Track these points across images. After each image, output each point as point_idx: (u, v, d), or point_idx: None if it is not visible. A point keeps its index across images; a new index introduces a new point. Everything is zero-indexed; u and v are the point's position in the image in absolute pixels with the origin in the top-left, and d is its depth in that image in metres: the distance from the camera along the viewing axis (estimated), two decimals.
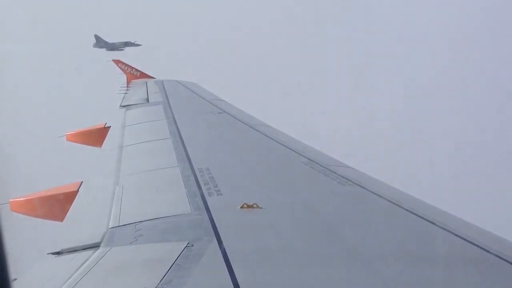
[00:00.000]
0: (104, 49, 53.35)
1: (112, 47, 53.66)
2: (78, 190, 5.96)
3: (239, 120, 9.94)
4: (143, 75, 20.73)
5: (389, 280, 3.27)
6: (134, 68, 21.24)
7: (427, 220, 4.39)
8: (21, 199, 6.38)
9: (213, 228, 3.98)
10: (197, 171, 5.75)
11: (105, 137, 9.89)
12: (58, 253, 4.04)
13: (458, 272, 3.50)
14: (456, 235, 4.04)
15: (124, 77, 20.54)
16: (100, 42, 54.29)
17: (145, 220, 4.35)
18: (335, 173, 5.83)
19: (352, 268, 3.44)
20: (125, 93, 16.78)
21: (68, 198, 5.78)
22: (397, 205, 4.78)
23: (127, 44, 53.81)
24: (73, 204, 5.53)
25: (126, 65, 21.26)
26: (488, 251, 3.73)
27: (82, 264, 3.60)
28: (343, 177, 5.66)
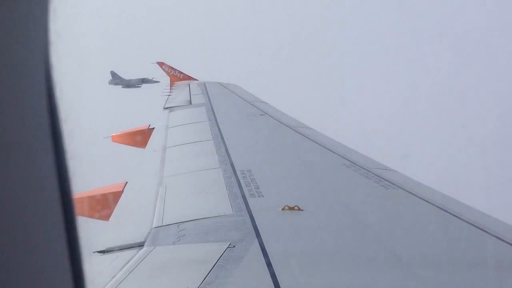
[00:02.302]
0: (119, 86, 51.17)
1: (128, 84, 51.19)
2: (123, 190, 6.08)
3: (280, 122, 9.95)
4: (186, 77, 20.98)
5: (433, 285, 3.24)
6: (178, 70, 21.51)
7: (471, 224, 4.31)
8: None
9: (255, 230, 4.01)
10: (238, 173, 5.79)
11: (149, 138, 10.05)
12: (103, 251, 4.14)
13: (503, 277, 3.43)
14: (501, 239, 3.96)
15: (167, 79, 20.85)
16: (116, 79, 51.62)
17: (188, 221, 4.41)
18: (377, 175, 5.79)
19: (394, 272, 3.41)
20: (169, 95, 17.02)
21: (113, 198, 5.90)
22: (441, 209, 4.71)
23: (144, 80, 50.13)
24: (118, 204, 5.65)
25: (169, 67, 21.55)
26: None
27: (127, 263, 3.68)
28: (385, 180, 5.61)
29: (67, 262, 1.19)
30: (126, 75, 50.90)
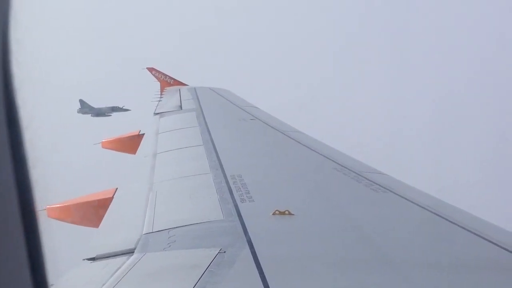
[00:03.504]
0: (89, 115, 49.39)
1: (98, 112, 49.40)
2: (113, 197, 6.04)
3: (271, 126, 9.95)
4: (177, 83, 20.95)
5: None
6: (168, 75, 21.48)
7: (461, 227, 4.32)
8: (58, 205, 6.50)
9: (245, 235, 4.00)
10: (229, 178, 5.78)
11: (139, 144, 10.02)
12: (93, 259, 4.11)
13: (492, 279, 3.44)
14: (493, 243, 3.96)
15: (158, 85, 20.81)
16: (84, 108, 49.89)
17: (178, 227, 4.39)
18: (367, 179, 5.79)
19: (384, 276, 3.41)
20: (159, 100, 16.98)
21: (103, 204, 5.87)
22: (431, 211, 4.72)
23: (114, 109, 48.62)
24: (108, 211, 5.61)
25: (160, 72, 21.52)
26: None
27: (117, 270, 3.65)
28: (376, 183, 5.62)
29: (28, 273, 1.17)
30: (95, 103, 49.21)
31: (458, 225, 4.35)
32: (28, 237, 1.20)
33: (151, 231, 4.42)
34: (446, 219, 4.51)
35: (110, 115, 48.65)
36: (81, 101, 49.76)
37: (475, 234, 4.13)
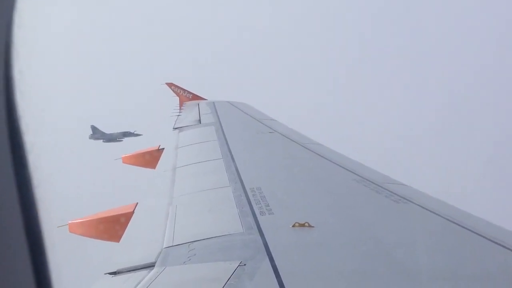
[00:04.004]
0: (101, 141, 48.97)
1: (109, 138, 49.00)
2: (133, 211, 6.09)
3: (289, 139, 9.95)
4: (195, 97, 21.08)
5: None
6: (187, 90, 21.63)
7: (485, 237, 4.27)
8: (79, 221, 6.57)
9: (265, 247, 3.99)
10: (248, 191, 5.79)
11: (159, 159, 10.08)
12: (114, 273, 4.13)
13: None
14: None
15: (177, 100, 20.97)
16: (96, 133, 49.40)
17: (198, 240, 4.41)
18: (388, 190, 5.76)
19: None
20: (178, 115, 17.09)
21: (124, 219, 5.91)
22: (453, 222, 4.67)
23: (125, 134, 48.26)
24: (129, 225, 5.65)
25: (178, 87, 21.68)
26: None
27: (138, 283, 3.67)
28: (396, 194, 5.58)
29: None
30: (107, 128, 49.18)
31: (482, 236, 4.29)
32: (33, 250, 1.22)
33: (172, 244, 4.44)
34: (469, 230, 4.45)
35: (122, 140, 48.65)
36: (93, 127, 49.79)
37: (500, 245, 4.07)
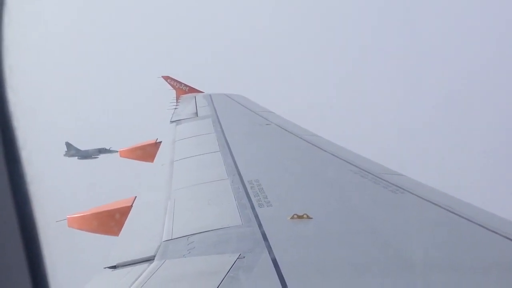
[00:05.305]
0: (75, 158, 47.77)
1: (85, 155, 48.11)
2: (132, 205, 6.09)
3: (287, 130, 9.96)
4: (192, 90, 21.04)
5: None
6: (183, 83, 21.59)
7: (483, 226, 4.28)
8: (78, 215, 6.57)
9: (264, 239, 4.00)
10: (246, 183, 5.79)
11: (156, 152, 10.08)
12: (114, 267, 4.14)
13: None
14: None
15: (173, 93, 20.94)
16: (71, 150, 48.37)
17: (197, 233, 4.41)
18: (385, 181, 5.77)
19: (405, 279, 3.39)
20: (175, 108, 17.08)
21: (122, 213, 5.91)
22: (452, 212, 4.68)
23: (101, 151, 47.29)
24: (127, 219, 5.65)
25: (175, 80, 21.64)
26: None
27: (138, 277, 3.68)
28: (394, 185, 5.59)
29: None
30: (82, 145, 48.70)
31: (480, 225, 4.31)
32: (28, 246, 1.22)
33: (171, 238, 4.45)
34: (467, 219, 4.47)
35: (97, 157, 48.15)
36: (68, 144, 49.01)
37: (498, 234, 4.08)
